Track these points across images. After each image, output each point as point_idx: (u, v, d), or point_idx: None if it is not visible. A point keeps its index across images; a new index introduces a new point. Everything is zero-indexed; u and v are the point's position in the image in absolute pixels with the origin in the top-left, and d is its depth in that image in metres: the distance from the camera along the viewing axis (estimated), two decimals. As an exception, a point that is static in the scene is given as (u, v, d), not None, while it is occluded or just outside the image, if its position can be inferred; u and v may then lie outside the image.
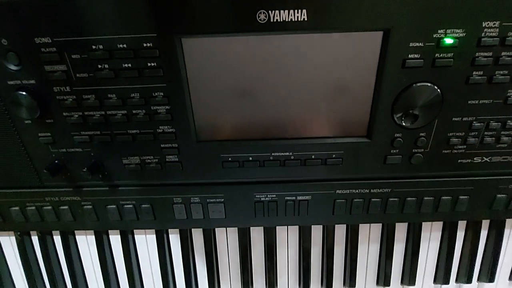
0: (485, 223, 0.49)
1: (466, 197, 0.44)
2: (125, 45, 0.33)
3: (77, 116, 0.38)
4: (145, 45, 0.33)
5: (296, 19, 0.31)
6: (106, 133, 0.39)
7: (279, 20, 0.32)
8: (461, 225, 0.49)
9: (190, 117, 0.38)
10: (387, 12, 0.31)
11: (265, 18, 0.32)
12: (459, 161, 0.41)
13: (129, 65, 0.34)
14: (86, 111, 0.37)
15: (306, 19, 0.31)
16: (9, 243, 0.52)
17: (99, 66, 0.34)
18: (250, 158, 0.40)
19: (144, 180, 0.43)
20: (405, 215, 0.45)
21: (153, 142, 0.39)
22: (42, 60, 0.34)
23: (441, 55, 0.33)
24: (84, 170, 0.40)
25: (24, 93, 0.36)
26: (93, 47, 0.33)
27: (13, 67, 0.35)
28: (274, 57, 0.35)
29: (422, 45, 0.33)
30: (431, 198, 0.44)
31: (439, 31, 0.32)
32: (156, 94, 0.36)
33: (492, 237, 0.50)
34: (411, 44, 0.33)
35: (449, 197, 0.44)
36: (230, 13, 0.32)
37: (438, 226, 0.49)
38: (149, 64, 0.34)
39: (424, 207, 0.44)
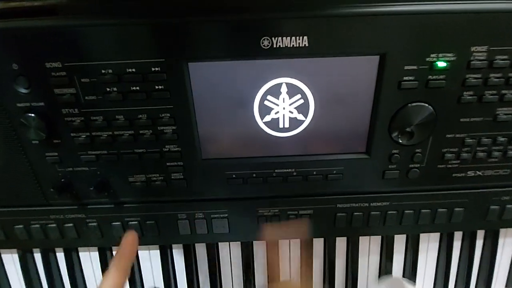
0: (480, 233, 0.51)
1: (461, 209, 0.46)
2: (134, 70, 0.34)
3: (84, 136, 0.38)
4: (153, 69, 0.34)
5: (297, 45, 0.33)
6: (113, 153, 0.40)
7: (281, 46, 0.33)
8: (458, 236, 0.51)
9: (195, 137, 0.39)
10: (383, 38, 0.33)
11: (268, 44, 0.33)
12: (453, 175, 0.42)
13: (137, 88, 0.35)
14: (93, 131, 0.38)
15: (307, 45, 0.33)
16: (11, 260, 0.52)
17: (108, 89, 0.36)
18: (254, 175, 0.42)
19: (149, 197, 0.44)
20: (403, 227, 0.47)
21: (159, 161, 0.40)
22: (52, 83, 0.35)
23: (434, 77, 0.35)
24: (91, 188, 0.40)
25: (32, 115, 0.36)
26: (103, 71, 0.35)
27: (23, 90, 0.36)
28: (277, 79, 0.36)
29: (416, 68, 0.35)
30: (428, 210, 0.45)
31: (431, 55, 0.34)
32: (163, 115, 0.37)
33: (487, 246, 0.51)
34: (406, 67, 0.35)
35: (445, 210, 0.45)
36: (235, 39, 0.33)
37: (435, 237, 0.51)
38: (156, 87, 0.35)
39: (421, 219, 0.46)
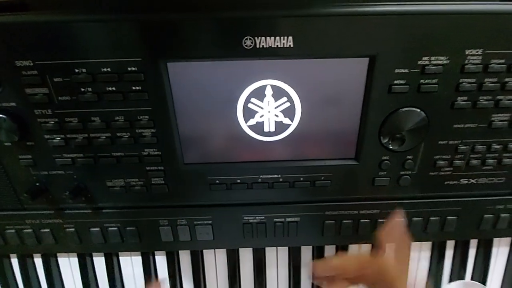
0: (473, 242, 0.49)
1: (454, 217, 0.44)
2: (109, 69, 0.33)
3: (59, 139, 0.36)
4: (129, 69, 0.33)
5: (282, 46, 0.31)
6: (89, 156, 0.38)
7: (265, 46, 0.31)
8: (450, 245, 0.49)
9: (176, 140, 0.37)
10: (372, 40, 0.32)
11: (251, 44, 0.31)
12: (446, 182, 0.41)
13: (113, 88, 0.34)
14: (68, 134, 0.36)
15: (292, 46, 0.31)
16: (-13, 266, 0.50)
17: (82, 90, 0.34)
18: (238, 181, 0.40)
19: (129, 203, 0.42)
20: (394, 235, 0.45)
21: (138, 165, 0.38)
22: (23, 83, 0.33)
23: (426, 81, 0.34)
24: (67, 193, 0.38)
25: (3, 116, 0.34)
26: (76, 70, 0.33)
27: (-8, 90, 0.34)
28: (261, 81, 0.35)
29: (408, 71, 0.33)
30: (420, 218, 0.44)
31: (423, 58, 0.33)
32: (141, 117, 0.35)
33: (480, 255, 0.50)
34: (396, 71, 0.33)
35: (437, 218, 0.44)
36: (217, 38, 0.32)
37: (427, 245, 0.49)
38: (134, 88, 0.34)
39: (412, 228, 0.44)
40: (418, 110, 0.35)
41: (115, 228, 0.44)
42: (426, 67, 0.33)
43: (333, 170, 0.39)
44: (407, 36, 0.32)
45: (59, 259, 0.49)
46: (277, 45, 0.31)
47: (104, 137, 0.36)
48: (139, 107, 0.35)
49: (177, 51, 0.32)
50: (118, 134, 0.36)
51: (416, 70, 0.33)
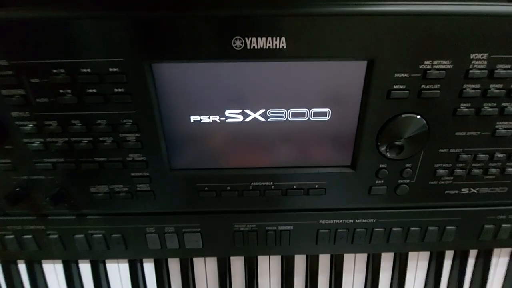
0: (473, 252, 0.48)
1: (453, 227, 0.42)
2: (89, 70, 0.30)
3: (38, 142, 0.34)
4: (111, 70, 0.30)
5: (274, 47, 0.29)
6: (70, 161, 0.36)
7: (256, 47, 0.29)
8: (448, 254, 0.48)
9: (162, 145, 0.35)
10: (371, 42, 0.30)
11: (241, 45, 0.29)
12: (446, 192, 0.39)
13: (94, 90, 0.32)
14: (48, 137, 0.34)
15: (285, 47, 0.29)
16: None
17: (61, 91, 0.32)
18: (228, 188, 0.38)
19: (114, 209, 0.40)
20: (390, 245, 0.43)
21: (122, 171, 0.36)
22: (-2, 83, 0.31)
23: (428, 86, 0.32)
24: (47, 199, 0.36)
25: (-22, 118, 0.33)
26: (54, 71, 0.31)
27: (-34, 91, 0.32)
28: (252, 84, 0.32)
29: (408, 76, 0.31)
30: (418, 228, 0.42)
31: (425, 62, 0.31)
32: (124, 121, 0.33)
33: (479, 266, 0.48)
34: (396, 75, 0.31)
35: (436, 228, 0.42)
36: (204, 38, 0.29)
37: (425, 255, 0.48)
38: (116, 90, 0.31)
39: (410, 238, 0.43)
40: (418, 117, 0.33)
41: (100, 235, 0.42)
42: (428, 71, 0.31)
43: (328, 178, 0.38)
44: (408, 38, 0.29)
45: (44, 265, 0.48)
46: (269, 46, 0.29)
47: (85, 141, 0.34)
48: (122, 110, 0.33)
49: (162, 51, 0.30)
50: (101, 139, 0.34)
51: (417, 75, 0.31)
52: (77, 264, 0.47)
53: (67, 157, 0.35)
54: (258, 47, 0.29)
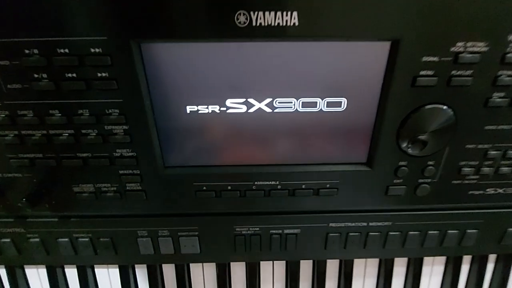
0: (492, 256, 0.44)
1: (474, 231, 0.39)
2: (67, 50, 0.26)
3: (12, 135, 0.30)
4: (92, 50, 0.26)
5: (284, 24, 0.25)
6: (50, 157, 0.31)
7: (263, 24, 0.25)
8: (466, 259, 0.44)
9: (154, 139, 0.31)
10: (397, 19, 0.25)
11: (245, 21, 0.25)
12: (470, 192, 0.35)
13: (74, 75, 0.27)
14: (23, 129, 0.30)
15: (297, 24, 0.25)
16: None
17: (36, 76, 0.27)
18: (229, 187, 0.34)
19: (101, 211, 0.36)
20: (406, 250, 0.40)
21: (109, 168, 0.32)
22: (-39, 66, 0.27)
23: (459, 72, 0.28)
24: (23, 200, 0.32)
25: None
26: (26, 51, 0.26)
27: None
28: (257, 69, 0.28)
29: (437, 60, 0.27)
30: (436, 232, 0.38)
31: (457, 44, 0.26)
32: (110, 111, 0.29)
33: (498, 271, 0.45)
34: (424, 59, 0.27)
35: (455, 231, 0.39)
36: (203, 14, 0.25)
37: (441, 259, 0.44)
38: (99, 75, 0.27)
39: (427, 242, 0.39)
40: (446, 108, 0.29)
41: (87, 239, 0.38)
42: (459, 55, 0.27)
43: (341, 176, 0.34)
44: (439, 16, 0.25)
45: (26, 270, 0.44)
46: (278, 23, 0.25)
47: (66, 134, 0.30)
48: (107, 99, 0.28)
49: (153, 29, 0.26)
50: (83, 131, 0.30)
51: (447, 59, 0.27)
52: (63, 269, 0.43)
53: (46, 152, 0.31)
54: (266, 24, 0.25)
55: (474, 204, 0.37)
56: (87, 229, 0.37)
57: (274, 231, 0.38)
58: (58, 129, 0.30)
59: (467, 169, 0.33)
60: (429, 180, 0.34)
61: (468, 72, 0.28)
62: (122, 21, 0.25)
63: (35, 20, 0.25)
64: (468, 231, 0.39)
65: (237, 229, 0.37)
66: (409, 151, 0.31)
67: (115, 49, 0.26)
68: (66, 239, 0.38)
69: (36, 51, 0.26)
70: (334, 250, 0.39)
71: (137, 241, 0.38)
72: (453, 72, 0.28)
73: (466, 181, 0.34)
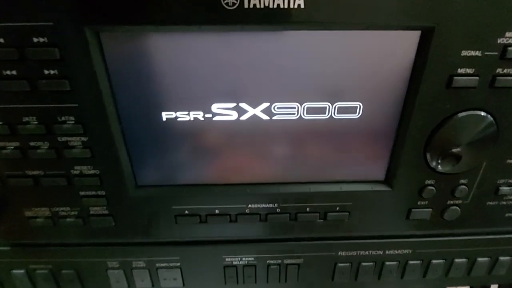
0: (523, 283, 0.39)
1: (508, 258, 0.33)
2: (1, 40, 0.20)
3: None
4: (36, 40, 0.20)
5: (286, 6, 0.19)
6: (-9, 175, 0.25)
7: (257, 6, 0.19)
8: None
9: (122, 153, 0.25)
10: (429, 3, 0.20)
11: (235, 2, 0.19)
12: (506, 215, 0.30)
13: (14, 72, 0.21)
14: (-45, 141, 0.24)
15: (302, 7, 0.19)
16: None
17: (-37, 73, 0.21)
18: (217, 211, 0.28)
19: (61, 239, 0.29)
20: (427, 281, 0.34)
21: (67, 188, 0.26)
22: None
23: (505, 70, 0.22)
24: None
25: None
26: None
27: None
28: (251, 65, 0.22)
29: (480, 54, 0.21)
30: (464, 260, 0.33)
31: (506, 35, 0.21)
32: (63, 118, 0.23)
33: (530, 301, 0.39)
34: (463, 53, 0.21)
35: (486, 259, 0.33)
36: (179, -8, 0.19)
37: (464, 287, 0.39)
38: (46, 72, 0.21)
39: (453, 271, 0.33)
40: (486, 115, 0.24)
41: (46, 271, 0.31)
42: (509, 48, 0.21)
43: (354, 197, 0.28)
44: (483, 1, 0.20)
45: (-21, 304, 0.37)
46: (278, 4, 0.19)
47: (10, 147, 0.24)
48: (59, 103, 0.22)
49: (114, 12, 0.20)
50: (32, 144, 0.24)
51: (492, 53, 0.21)
52: (21, 303, 0.37)
53: (-14, 169, 0.25)
54: (261, 6, 0.19)
55: (509, 228, 0.31)
56: (46, 259, 0.31)
57: (272, 261, 0.32)
58: (0, 141, 0.24)
59: (505, 188, 0.28)
60: (459, 202, 0.28)
61: (518, 71, 0.22)
62: (74, 3, 0.19)
63: (-43, -1, 0.19)
64: (501, 258, 0.33)
65: (226, 259, 0.31)
66: (439, 167, 0.26)
67: (65, 39, 0.20)
68: (22, 271, 0.31)
69: (-40, 40, 0.20)
70: (343, 282, 0.33)
71: (108, 273, 0.31)
72: (499, 70, 0.22)
73: (503, 202, 0.29)
